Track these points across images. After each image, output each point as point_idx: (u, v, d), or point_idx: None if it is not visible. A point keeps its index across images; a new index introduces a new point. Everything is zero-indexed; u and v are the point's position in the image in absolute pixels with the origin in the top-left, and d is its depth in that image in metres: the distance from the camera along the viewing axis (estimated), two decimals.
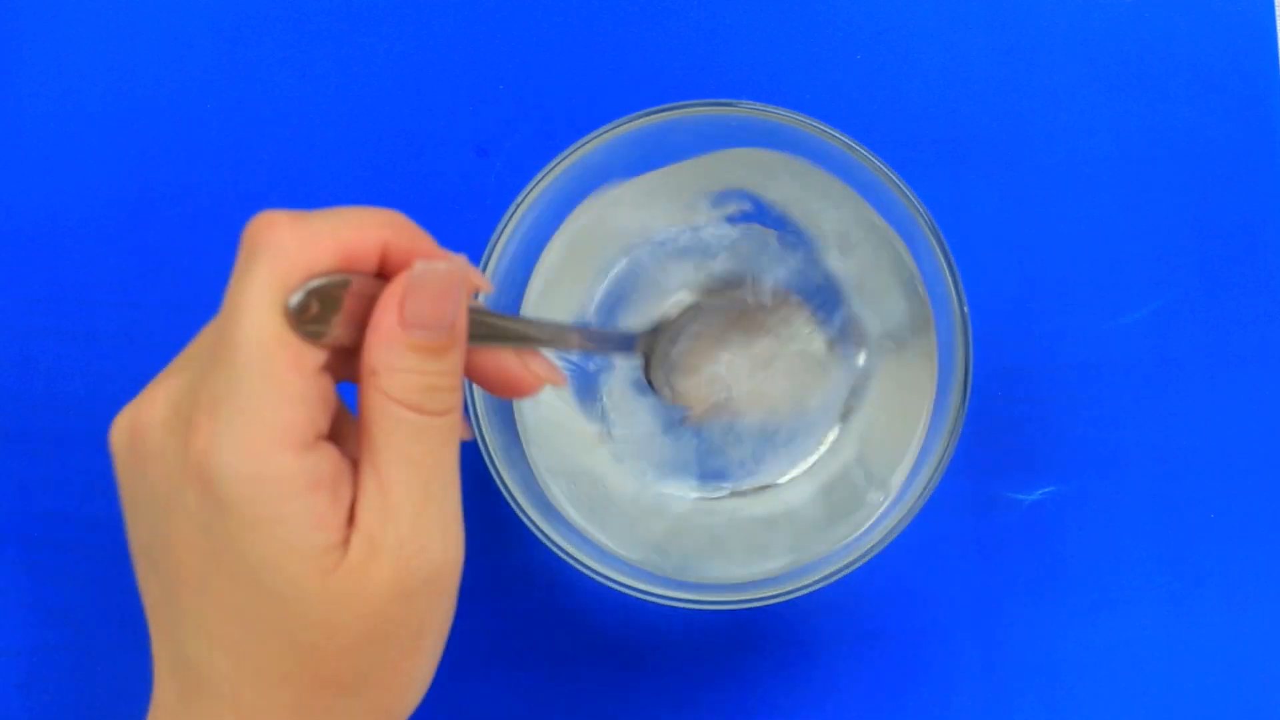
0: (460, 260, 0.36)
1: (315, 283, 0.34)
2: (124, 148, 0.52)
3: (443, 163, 0.52)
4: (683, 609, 0.47)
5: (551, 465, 0.48)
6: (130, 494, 0.36)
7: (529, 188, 0.45)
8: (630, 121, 0.45)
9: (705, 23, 0.53)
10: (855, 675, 0.51)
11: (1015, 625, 0.51)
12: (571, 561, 0.45)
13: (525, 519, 0.45)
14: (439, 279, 0.35)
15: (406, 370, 0.35)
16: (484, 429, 0.45)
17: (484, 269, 0.45)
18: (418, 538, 0.35)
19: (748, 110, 0.45)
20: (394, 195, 0.52)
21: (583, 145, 0.45)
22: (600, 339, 0.45)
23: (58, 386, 0.52)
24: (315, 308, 0.34)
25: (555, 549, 0.45)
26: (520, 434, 0.48)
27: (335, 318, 0.34)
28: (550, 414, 0.49)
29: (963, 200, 0.52)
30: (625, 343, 0.46)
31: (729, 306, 0.48)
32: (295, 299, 0.34)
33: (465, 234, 0.52)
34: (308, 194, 0.52)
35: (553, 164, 0.45)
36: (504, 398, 0.40)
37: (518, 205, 0.45)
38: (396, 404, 0.35)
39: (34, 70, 0.53)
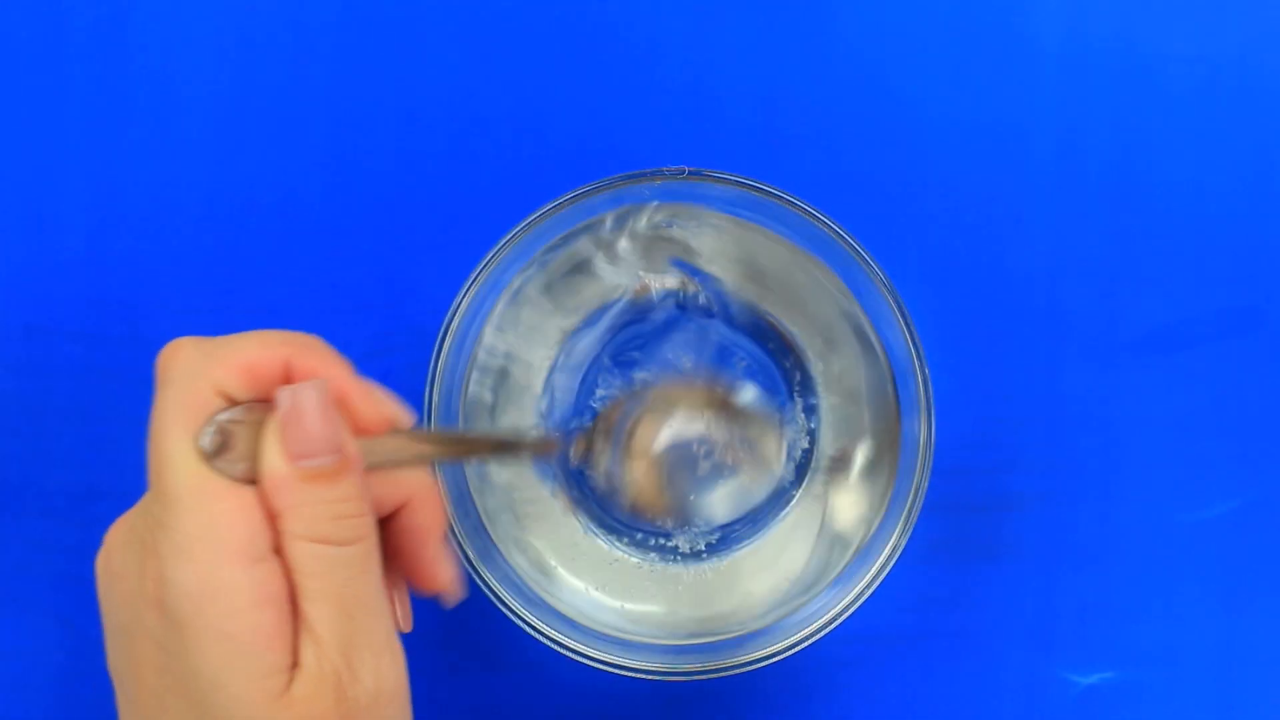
0: (322, 381, 0.36)
1: (222, 416, 0.35)
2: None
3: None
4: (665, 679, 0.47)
5: (523, 541, 0.48)
6: (105, 616, 0.37)
7: (478, 269, 0.46)
8: (594, 190, 0.45)
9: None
10: None
11: None
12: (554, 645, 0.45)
13: (503, 607, 0.45)
14: (309, 402, 0.35)
15: (305, 504, 0.35)
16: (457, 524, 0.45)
17: (438, 349, 0.45)
18: (350, 668, 0.35)
19: (713, 179, 0.45)
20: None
21: (529, 223, 0.45)
22: (531, 446, 0.44)
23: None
24: (233, 441, 0.35)
25: (538, 636, 0.45)
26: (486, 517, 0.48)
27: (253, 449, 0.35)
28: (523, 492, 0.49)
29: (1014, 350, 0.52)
30: (564, 443, 0.45)
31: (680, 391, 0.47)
32: (206, 438, 0.34)
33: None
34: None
35: (503, 240, 0.45)
36: (415, 588, 0.41)
37: (475, 276, 0.45)
38: (303, 540, 0.35)
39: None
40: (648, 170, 0.46)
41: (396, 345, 0.51)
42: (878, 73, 0.52)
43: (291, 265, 0.52)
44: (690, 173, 0.45)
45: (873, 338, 0.47)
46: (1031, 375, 0.52)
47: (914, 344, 0.45)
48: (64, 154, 0.52)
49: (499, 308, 0.47)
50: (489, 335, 0.47)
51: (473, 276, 0.45)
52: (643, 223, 0.47)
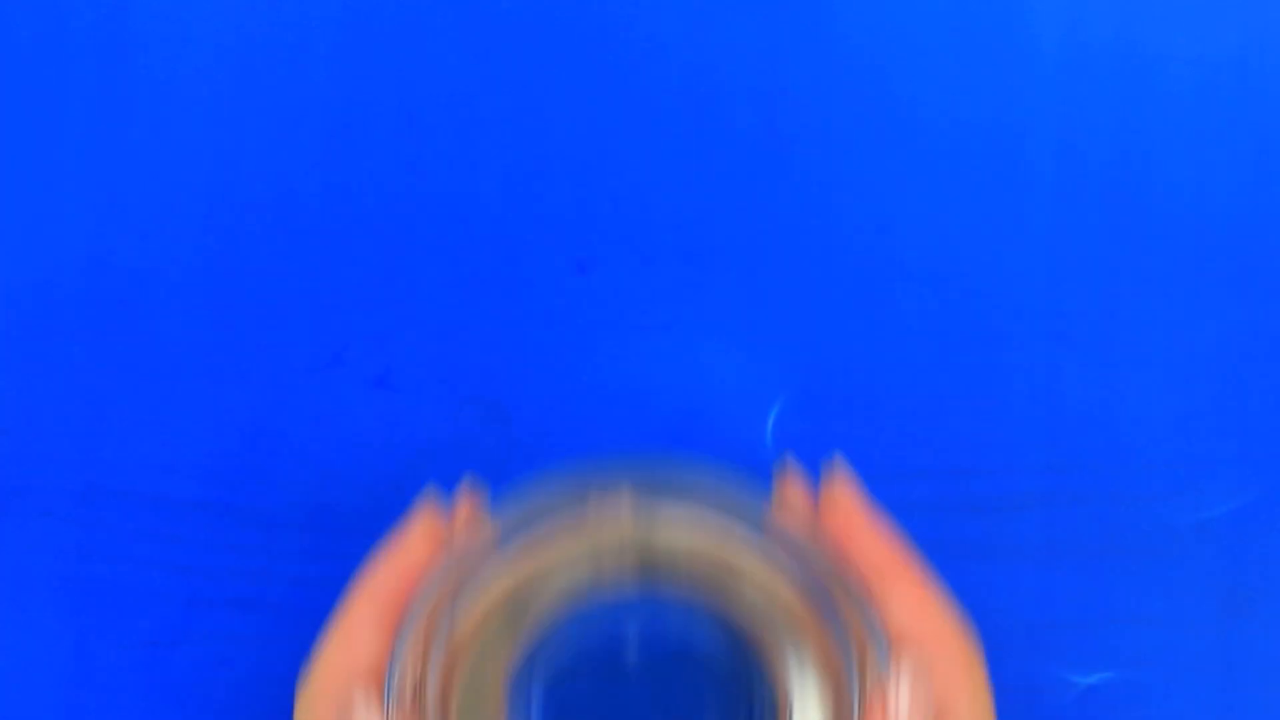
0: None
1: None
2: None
3: (539, 277, 0.52)
4: None
5: None
6: None
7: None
8: None
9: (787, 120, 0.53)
10: None
11: None
12: None
13: None
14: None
15: None
16: None
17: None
18: None
19: None
20: (487, 311, 0.51)
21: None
22: None
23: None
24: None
25: None
26: None
27: None
28: None
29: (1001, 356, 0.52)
30: None
31: None
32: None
33: (562, 355, 0.51)
34: (384, 288, 0.52)
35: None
36: None
37: None
38: None
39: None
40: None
41: None
42: (878, 73, 0.52)
43: (293, 266, 0.52)
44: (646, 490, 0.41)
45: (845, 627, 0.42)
46: (1031, 376, 0.52)
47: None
48: (64, 154, 0.52)
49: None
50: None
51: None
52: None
